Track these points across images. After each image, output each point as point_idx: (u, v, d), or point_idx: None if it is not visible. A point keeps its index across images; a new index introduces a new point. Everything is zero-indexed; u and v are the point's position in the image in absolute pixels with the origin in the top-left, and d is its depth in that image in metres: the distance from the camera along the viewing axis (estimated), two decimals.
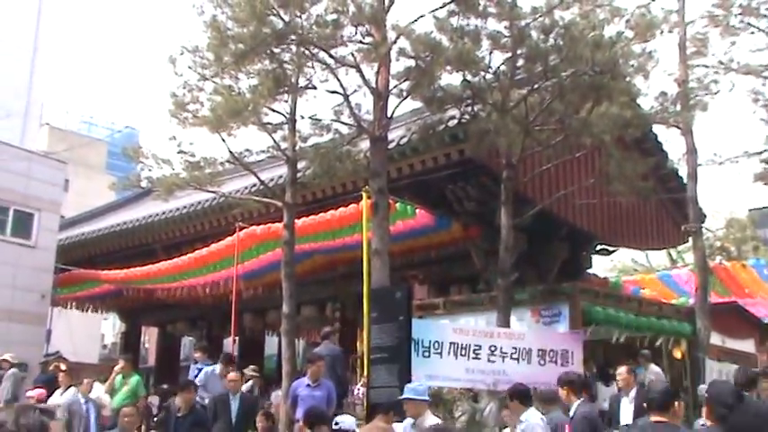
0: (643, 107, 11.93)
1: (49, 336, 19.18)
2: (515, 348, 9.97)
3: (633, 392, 8.47)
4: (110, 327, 38.64)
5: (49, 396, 11.96)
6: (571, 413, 7.15)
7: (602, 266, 25.70)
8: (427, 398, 6.93)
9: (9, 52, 22.29)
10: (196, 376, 11.17)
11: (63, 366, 12.84)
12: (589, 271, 16.65)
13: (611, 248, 17.27)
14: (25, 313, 17.88)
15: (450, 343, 9.69)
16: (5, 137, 19.44)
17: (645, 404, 5.17)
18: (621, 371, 8.62)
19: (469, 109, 11.45)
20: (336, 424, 6.52)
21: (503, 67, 10.91)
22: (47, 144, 35.45)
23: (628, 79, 11.00)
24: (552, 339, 10.51)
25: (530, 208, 11.51)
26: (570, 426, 6.99)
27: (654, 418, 4.22)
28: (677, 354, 12.87)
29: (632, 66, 10.73)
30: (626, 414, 8.36)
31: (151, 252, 17.49)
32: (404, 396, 6.93)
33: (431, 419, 6.71)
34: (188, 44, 10.84)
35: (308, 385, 8.87)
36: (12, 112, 21.84)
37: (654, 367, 11.57)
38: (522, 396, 7.13)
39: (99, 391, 11.76)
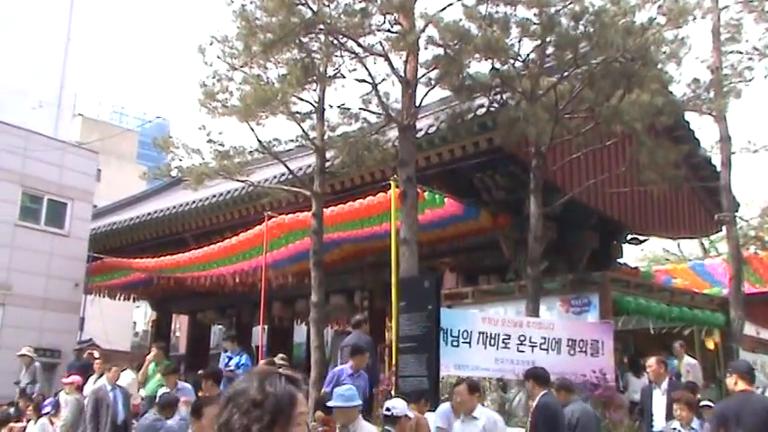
0: (675, 94, 11.76)
1: (82, 323, 19.48)
2: (545, 338, 9.90)
3: (665, 384, 8.35)
4: (141, 315, 39.18)
5: (84, 383, 12.19)
6: (533, 404, 7.16)
7: (632, 256, 25.44)
8: (357, 403, 6.26)
9: (43, 44, 22.57)
10: (227, 365, 11.32)
11: (96, 354, 13.06)
12: (619, 260, 16.48)
13: (641, 238, 17.06)
14: (59, 301, 18.18)
15: (480, 332, 9.66)
16: (39, 127, 19.70)
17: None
18: (651, 362, 8.52)
19: (498, 97, 11.37)
20: (388, 410, 6.53)
21: (532, 55, 10.81)
22: (79, 134, 35.98)
23: (660, 66, 10.83)
24: (582, 329, 10.42)
25: (559, 197, 11.41)
26: (532, 413, 7.11)
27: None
28: (710, 344, 12.71)
29: (664, 52, 10.56)
30: (658, 406, 8.24)
31: (181, 241, 17.68)
32: (332, 403, 6.39)
33: (363, 426, 6.25)
34: (217, 34, 10.93)
35: (351, 375, 8.93)
36: (45, 102, 22.15)
37: (689, 359, 11.45)
38: (537, 377, 7.19)
39: (129, 378, 11.94)
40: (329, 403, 6.51)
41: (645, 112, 10.36)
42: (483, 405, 6.78)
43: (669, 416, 8.03)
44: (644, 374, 10.86)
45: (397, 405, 6.61)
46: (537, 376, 7.24)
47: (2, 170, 17.49)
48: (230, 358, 11.46)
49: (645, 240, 17.73)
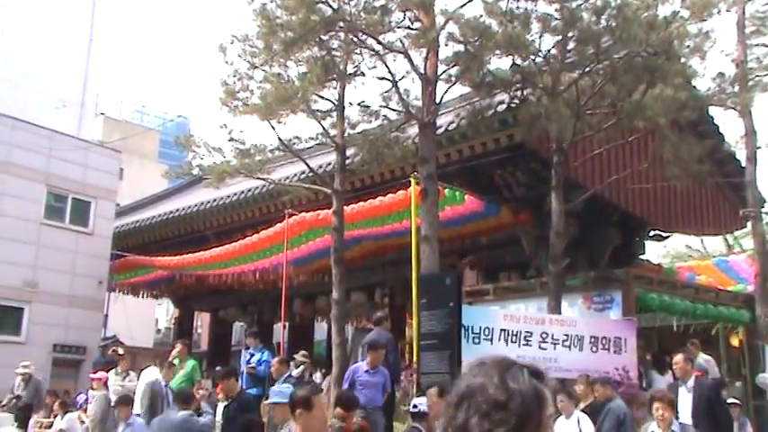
0: (699, 89, 11.63)
1: (106, 320, 19.65)
2: (567, 335, 9.85)
3: (691, 381, 8.25)
4: (163, 312, 39.49)
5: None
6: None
7: (655, 252, 25.21)
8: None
9: (66, 44, 22.80)
10: (248, 362, 11.38)
11: (120, 351, 13.18)
12: (642, 257, 16.34)
13: (664, 234, 16.92)
14: (84, 299, 18.38)
15: (501, 330, 9.63)
16: (63, 127, 19.93)
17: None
18: (678, 359, 8.41)
19: (519, 93, 11.32)
20: (415, 407, 6.53)
21: (553, 51, 10.73)
22: (102, 134, 36.29)
23: (683, 60, 10.72)
24: (605, 326, 10.36)
25: (581, 193, 11.34)
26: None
27: None
28: (735, 341, 12.58)
29: (688, 46, 10.45)
30: (684, 404, 8.15)
31: (203, 239, 17.80)
32: (271, 400, 6.21)
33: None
34: (238, 33, 10.97)
35: (367, 371, 8.92)
36: (68, 102, 22.38)
37: (703, 356, 11.34)
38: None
39: (155, 374, 12.05)
40: (266, 401, 6.44)
41: (668, 107, 10.26)
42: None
43: (695, 414, 7.96)
44: (668, 372, 10.77)
45: (424, 402, 6.62)
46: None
47: (27, 169, 17.70)
48: (252, 355, 11.52)
49: (668, 237, 17.58)
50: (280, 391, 6.40)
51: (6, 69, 20.50)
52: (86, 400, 12.02)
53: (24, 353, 16.86)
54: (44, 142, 18.15)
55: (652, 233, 16.40)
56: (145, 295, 22.97)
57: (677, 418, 7.37)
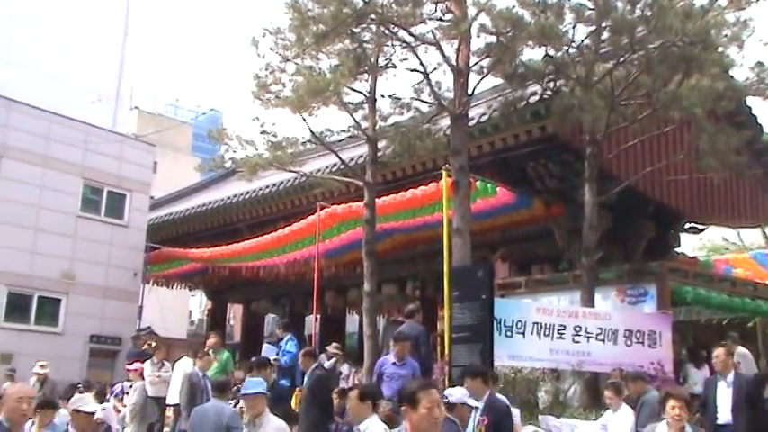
0: (737, 78, 11.39)
1: (140, 312, 19.96)
2: (601, 329, 9.77)
3: (731, 376, 8.10)
4: (197, 304, 39.91)
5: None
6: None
7: (690, 245, 24.85)
8: (258, 391, 6.32)
9: (101, 39, 23.10)
10: (277, 352, 11.44)
11: (153, 343, 13.37)
12: (677, 250, 16.13)
13: (700, 226, 16.66)
14: (119, 290, 18.67)
15: (534, 323, 9.59)
16: (98, 121, 20.20)
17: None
18: (719, 353, 8.24)
19: (552, 85, 11.21)
20: (445, 398, 6.55)
21: (587, 41, 10.62)
22: (136, 127, 36.71)
23: (720, 50, 10.50)
24: (639, 320, 10.25)
25: (615, 185, 11.20)
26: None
27: None
28: None
29: (725, 35, 10.23)
30: (723, 398, 8.02)
31: (236, 231, 17.95)
32: (253, 391, 6.38)
33: (271, 420, 6.23)
34: (270, 26, 11.03)
35: (394, 363, 8.93)
36: (103, 96, 22.68)
37: (741, 349, 11.16)
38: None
39: (188, 365, 12.21)
40: (246, 391, 6.47)
41: (705, 98, 10.09)
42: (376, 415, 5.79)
43: (735, 409, 7.83)
44: (704, 366, 10.63)
45: (455, 393, 6.63)
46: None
47: (64, 163, 18.01)
48: (280, 346, 11.58)
49: (704, 229, 17.30)
50: (255, 383, 6.48)
51: (43, 65, 20.82)
52: (122, 390, 12.24)
53: (62, 343, 17.24)
54: (80, 136, 18.44)
55: (687, 226, 16.15)
56: (178, 287, 23.26)
57: (715, 415, 7.27)
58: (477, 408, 6.62)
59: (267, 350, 11.72)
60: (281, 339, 11.82)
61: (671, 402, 5.52)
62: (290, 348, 11.31)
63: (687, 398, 5.67)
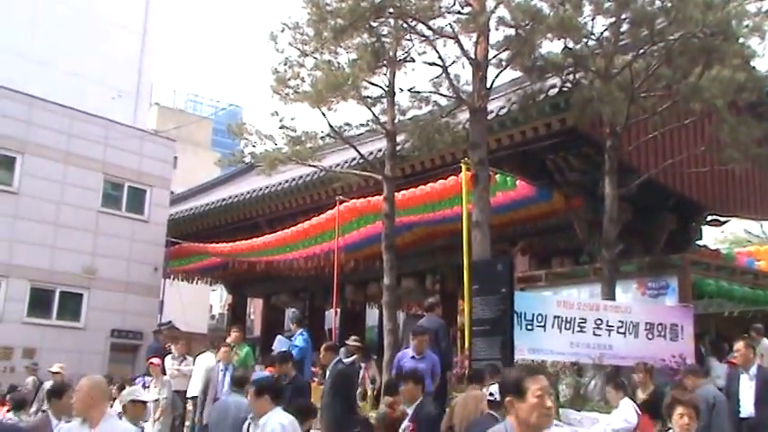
0: (759, 69, 11.27)
1: (161, 306, 20.14)
2: (622, 322, 9.73)
3: (754, 369, 8.04)
4: (217, 298, 40.21)
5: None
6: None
7: (712, 238, 24.66)
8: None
9: (121, 35, 23.29)
10: (289, 345, 11.51)
11: (181, 342, 13.47)
12: (699, 242, 16.00)
13: (722, 219, 16.51)
14: (140, 285, 18.84)
15: (555, 316, 9.56)
16: (119, 117, 20.37)
17: None
18: (740, 346, 8.18)
19: (571, 77, 11.14)
20: (491, 395, 6.57)
21: (606, 33, 10.55)
22: (156, 123, 37.03)
23: (742, 40, 10.40)
24: (661, 313, 10.20)
25: (635, 177, 11.13)
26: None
27: None
28: None
29: (747, 26, 10.11)
30: (746, 392, 7.96)
31: (255, 226, 18.05)
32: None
33: (274, 418, 5.93)
34: (288, 21, 11.05)
35: (413, 357, 8.93)
36: (123, 92, 22.86)
37: (766, 341, 11.06)
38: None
39: (210, 360, 12.31)
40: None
41: (726, 89, 9.98)
42: (281, 409, 5.75)
43: (758, 402, 7.77)
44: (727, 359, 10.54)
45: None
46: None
47: (85, 159, 18.18)
48: (291, 341, 11.65)
49: (726, 221, 17.15)
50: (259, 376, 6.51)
51: (65, 62, 21.03)
52: (143, 384, 12.32)
53: (83, 338, 17.44)
54: (101, 132, 18.61)
55: (709, 218, 16.02)
56: (199, 282, 23.42)
57: (738, 408, 7.19)
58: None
59: (280, 342, 11.78)
60: (294, 333, 11.89)
61: (679, 410, 4.82)
62: (299, 343, 11.36)
63: (697, 404, 5.01)
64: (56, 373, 12.72)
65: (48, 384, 12.01)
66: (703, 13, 9.55)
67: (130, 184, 19.21)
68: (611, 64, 10.36)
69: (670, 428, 4.86)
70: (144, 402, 6.33)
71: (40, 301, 17.20)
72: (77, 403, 4.74)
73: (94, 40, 22.22)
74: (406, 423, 6.56)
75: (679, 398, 4.96)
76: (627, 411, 7.68)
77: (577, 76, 11.06)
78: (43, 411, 11.45)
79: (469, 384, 7.60)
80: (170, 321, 21.55)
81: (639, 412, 7.66)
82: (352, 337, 12.60)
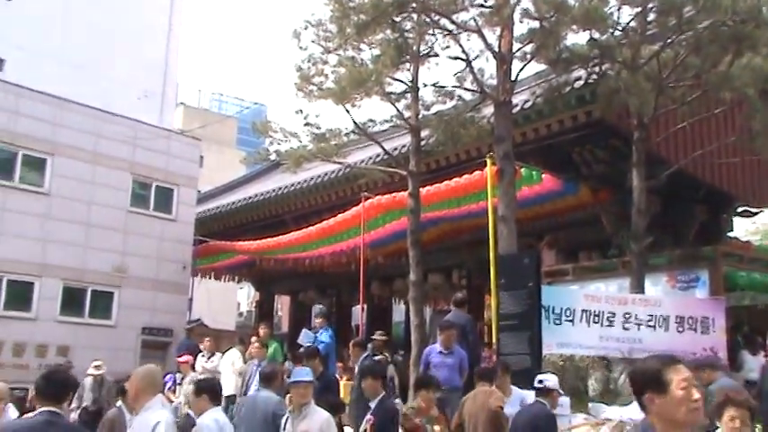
0: None
1: (190, 304, 20.30)
2: (651, 315, 9.62)
3: None
4: (245, 295, 40.46)
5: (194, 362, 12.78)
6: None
7: (743, 229, 24.28)
8: (307, 379, 6.37)
9: (146, 37, 23.51)
10: (312, 341, 11.55)
11: (207, 339, 13.60)
12: (730, 234, 15.75)
13: (754, 210, 16.25)
14: (169, 283, 19.00)
15: (583, 310, 9.49)
16: (146, 117, 20.55)
17: None
18: None
19: (597, 69, 11.02)
20: (540, 382, 6.60)
21: (633, 23, 10.41)
22: (182, 122, 37.32)
23: None
24: (691, 306, 10.06)
25: (664, 169, 10.98)
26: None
27: None
28: None
29: None
30: None
31: (281, 223, 18.12)
32: (301, 379, 6.37)
33: (316, 410, 6.24)
34: (311, 18, 11.05)
35: (441, 352, 8.91)
36: (150, 92, 23.08)
37: None
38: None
39: (235, 356, 12.42)
40: (294, 379, 6.50)
41: (757, 77, 9.78)
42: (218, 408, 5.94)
43: None
44: (760, 352, 10.39)
45: (550, 378, 6.67)
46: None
47: (114, 159, 18.37)
48: (316, 337, 11.68)
49: (757, 213, 16.88)
50: (303, 372, 6.57)
51: (93, 64, 21.29)
52: (174, 381, 12.48)
53: (115, 336, 17.64)
54: (129, 132, 18.78)
55: (740, 209, 15.78)
56: (227, 279, 23.59)
57: None
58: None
59: (305, 336, 11.84)
60: (319, 329, 11.90)
61: (731, 411, 4.24)
62: (324, 338, 11.41)
63: (752, 406, 4.43)
64: (95, 374, 12.29)
65: (87, 382, 12.16)
66: (733, 0, 9.38)
67: (158, 184, 19.37)
68: (638, 54, 10.22)
69: (717, 428, 4.34)
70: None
71: (72, 300, 17.43)
72: (129, 392, 4.89)
73: (121, 41, 22.46)
74: (367, 416, 6.71)
75: (732, 397, 4.40)
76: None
77: (603, 67, 10.93)
78: (83, 408, 11.69)
79: (479, 382, 7.60)
80: (199, 319, 21.72)
81: None
82: (378, 332, 12.62)
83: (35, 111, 17.22)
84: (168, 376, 12.86)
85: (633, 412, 7.69)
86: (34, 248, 16.83)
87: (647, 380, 2.68)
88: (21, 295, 16.68)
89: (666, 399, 2.61)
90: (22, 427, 4.40)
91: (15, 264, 16.50)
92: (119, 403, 7.09)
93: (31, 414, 4.44)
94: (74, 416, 11.38)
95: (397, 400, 9.51)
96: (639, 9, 10.19)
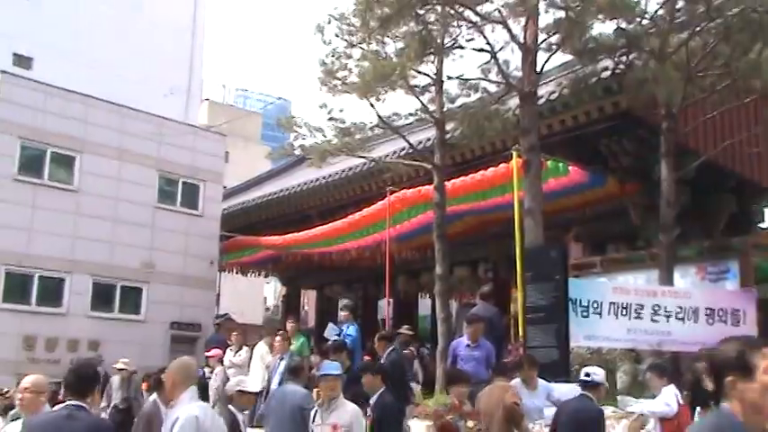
0: None
1: (218, 299, 20.48)
2: (681, 307, 9.51)
3: None
4: (271, 290, 40.70)
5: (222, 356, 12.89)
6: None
7: None
8: (335, 373, 6.43)
9: (171, 32, 23.70)
10: (338, 334, 11.60)
11: (235, 333, 13.72)
12: (761, 225, 15.52)
13: None
14: (197, 278, 19.19)
15: (610, 303, 9.39)
16: (171, 113, 20.74)
17: None
18: None
19: (624, 58, 10.88)
20: (587, 375, 6.58)
21: (660, 11, 10.27)
22: (207, 118, 37.58)
23: None
24: (721, 298, 9.92)
25: (693, 160, 10.83)
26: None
27: None
28: None
29: None
30: None
31: (307, 218, 18.17)
32: (330, 373, 6.41)
33: (345, 403, 6.30)
34: (335, 12, 11.05)
35: (468, 345, 8.89)
36: (175, 89, 23.28)
37: None
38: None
39: (262, 349, 12.50)
40: (323, 372, 6.56)
41: None
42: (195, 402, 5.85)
43: None
44: None
45: (598, 372, 6.64)
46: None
47: (141, 156, 18.56)
48: (341, 331, 11.72)
49: None
50: (332, 366, 6.64)
51: (120, 63, 21.53)
52: (203, 375, 12.58)
53: (144, 331, 17.88)
54: (155, 129, 18.96)
55: None
56: (253, 274, 23.73)
57: None
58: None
59: (330, 329, 11.90)
60: (345, 323, 11.95)
61: None
62: (351, 332, 11.46)
63: None
64: (121, 369, 12.50)
65: (115, 380, 12.32)
66: None
67: (184, 180, 19.54)
68: (666, 43, 10.08)
69: None
70: (252, 393, 6.62)
71: (102, 295, 17.68)
72: (166, 384, 4.94)
73: (146, 38, 22.67)
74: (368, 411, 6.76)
75: None
76: (669, 397, 7.52)
77: (631, 57, 10.79)
78: (114, 406, 11.85)
79: (495, 377, 7.58)
80: (226, 314, 21.91)
81: (682, 402, 7.48)
82: (405, 326, 12.62)
83: (63, 109, 17.44)
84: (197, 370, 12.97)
85: (656, 406, 7.62)
86: (64, 245, 17.08)
87: (731, 363, 2.55)
88: (52, 291, 16.96)
89: (751, 384, 2.50)
90: (43, 421, 4.45)
91: (46, 260, 16.77)
92: (152, 397, 7.18)
93: (57, 407, 4.49)
94: (104, 415, 11.46)
95: (416, 386, 9.51)
96: None
